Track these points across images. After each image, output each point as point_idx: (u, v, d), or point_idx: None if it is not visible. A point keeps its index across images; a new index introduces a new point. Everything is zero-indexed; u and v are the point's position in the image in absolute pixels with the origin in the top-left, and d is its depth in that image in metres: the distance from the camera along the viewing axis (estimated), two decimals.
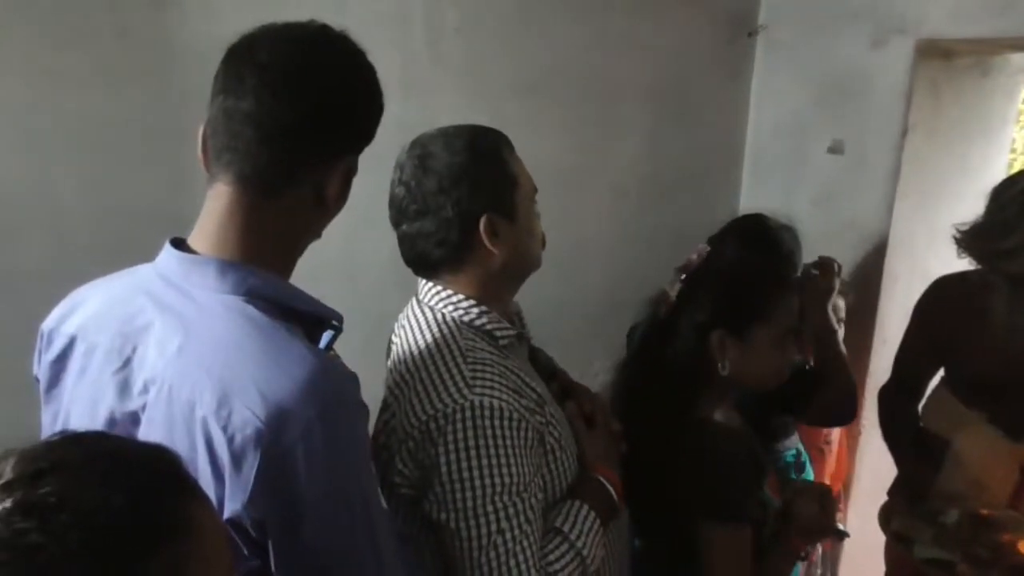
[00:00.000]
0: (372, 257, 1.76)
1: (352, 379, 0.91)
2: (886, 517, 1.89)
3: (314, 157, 0.96)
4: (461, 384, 1.14)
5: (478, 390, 1.13)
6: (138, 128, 1.67)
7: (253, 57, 0.92)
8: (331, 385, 0.87)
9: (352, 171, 1.02)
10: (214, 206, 0.95)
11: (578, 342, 2.03)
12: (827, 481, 2.50)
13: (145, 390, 0.89)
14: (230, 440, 0.82)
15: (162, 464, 0.67)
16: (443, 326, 1.23)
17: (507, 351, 1.25)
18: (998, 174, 2.84)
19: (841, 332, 2.45)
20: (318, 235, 1.05)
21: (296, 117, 0.92)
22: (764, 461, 1.51)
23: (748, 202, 2.85)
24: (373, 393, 1.30)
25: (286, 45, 0.94)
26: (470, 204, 1.20)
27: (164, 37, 1.66)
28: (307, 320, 0.96)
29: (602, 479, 1.29)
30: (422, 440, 1.15)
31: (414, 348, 1.23)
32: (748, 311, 1.47)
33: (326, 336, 1.14)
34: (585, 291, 2.37)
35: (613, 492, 1.29)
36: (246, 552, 0.85)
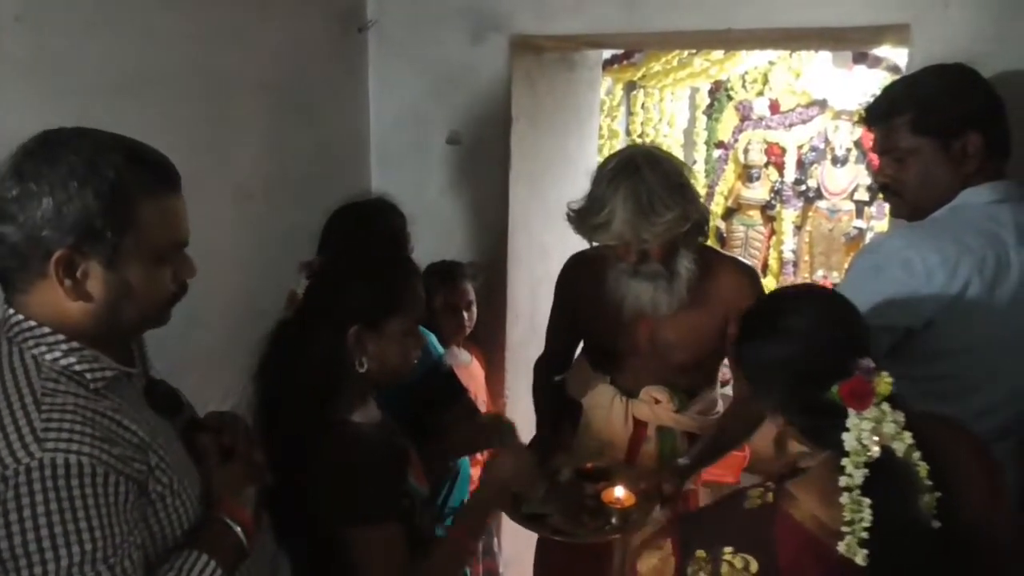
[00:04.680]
0: None
1: None
2: None
3: None
4: (29, 439, 0.96)
5: (51, 445, 0.96)
6: None
7: None
8: None
9: None
10: None
11: (218, 360, 1.87)
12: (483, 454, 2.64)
13: None
14: None
15: None
16: (18, 366, 1.03)
17: (104, 392, 1.07)
18: (592, 158, 3.22)
19: (474, 313, 2.60)
20: None
21: None
22: (406, 452, 1.50)
23: None
24: None
25: None
26: (41, 231, 1.00)
27: None
28: None
29: (228, 520, 1.17)
30: None
31: None
32: (383, 303, 1.44)
33: None
34: (219, 304, 2.19)
35: (241, 533, 1.17)
36: None
